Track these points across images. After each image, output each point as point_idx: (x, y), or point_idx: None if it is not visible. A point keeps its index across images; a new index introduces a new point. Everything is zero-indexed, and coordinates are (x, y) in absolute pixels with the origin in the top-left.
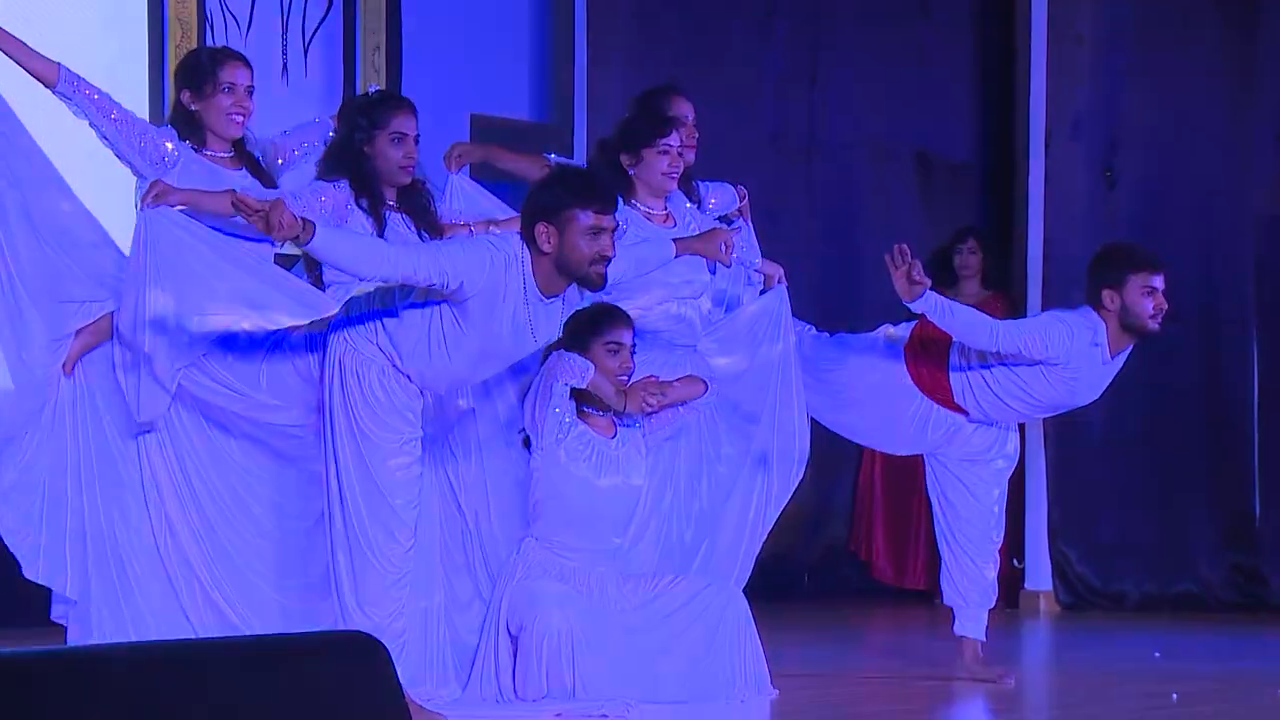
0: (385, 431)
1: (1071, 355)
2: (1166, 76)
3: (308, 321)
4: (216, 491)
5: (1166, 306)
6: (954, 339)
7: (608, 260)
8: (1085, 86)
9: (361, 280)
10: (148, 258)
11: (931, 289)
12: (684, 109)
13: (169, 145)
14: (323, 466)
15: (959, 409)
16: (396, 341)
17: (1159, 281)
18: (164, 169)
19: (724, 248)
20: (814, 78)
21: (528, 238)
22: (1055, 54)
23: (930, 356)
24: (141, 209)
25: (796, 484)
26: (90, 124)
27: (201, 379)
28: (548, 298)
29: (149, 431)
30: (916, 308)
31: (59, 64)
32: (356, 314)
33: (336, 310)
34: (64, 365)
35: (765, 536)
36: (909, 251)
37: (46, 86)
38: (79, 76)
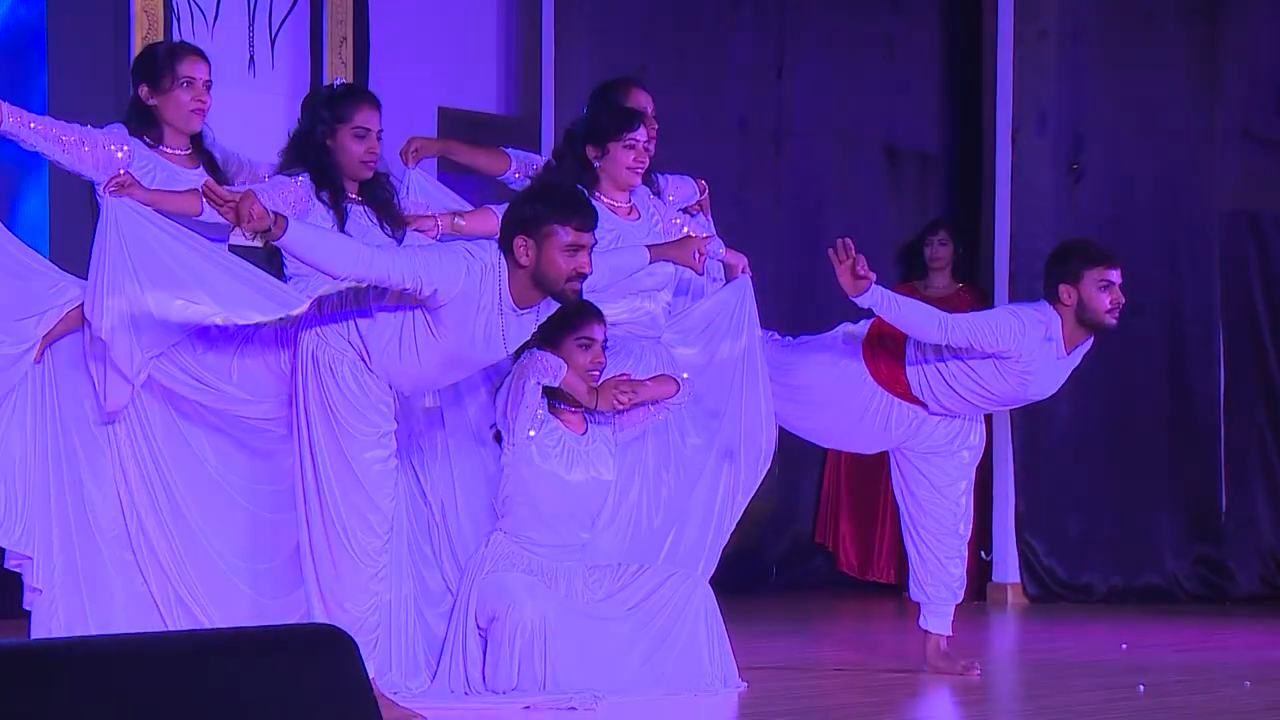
0: (363, 425)
1: (1024, 349)
2: (1132, 72)
3: (278, 318)
4: (186, 485)
5: (1124, 301)
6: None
7: (584, 277)
8: (1051, 81)
9: (334, 278)
10: (111, 244)
11: (877, 283)
12: (643, 102)
13: (119, 152)
14: (297, 461)
15: (918, 402)
16: (368, 341)
17: (1115, 276)
18: (129, 164)
19: (696, 255)
20: (781, 67)
21: (505, 249)
22: (1021, 48)
23: (887, 351)
24: (104, 196)
25: (763, 477)
26: (42, 153)
27: (172, 370)
28: (521, 309)
29: (113, 422)
30: (863, 302)
31: (1, 101)
32: (329, 311)
33: (306, 306)
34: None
35: (732, 529)
36: (853, 245)
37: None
38: (19, 109)
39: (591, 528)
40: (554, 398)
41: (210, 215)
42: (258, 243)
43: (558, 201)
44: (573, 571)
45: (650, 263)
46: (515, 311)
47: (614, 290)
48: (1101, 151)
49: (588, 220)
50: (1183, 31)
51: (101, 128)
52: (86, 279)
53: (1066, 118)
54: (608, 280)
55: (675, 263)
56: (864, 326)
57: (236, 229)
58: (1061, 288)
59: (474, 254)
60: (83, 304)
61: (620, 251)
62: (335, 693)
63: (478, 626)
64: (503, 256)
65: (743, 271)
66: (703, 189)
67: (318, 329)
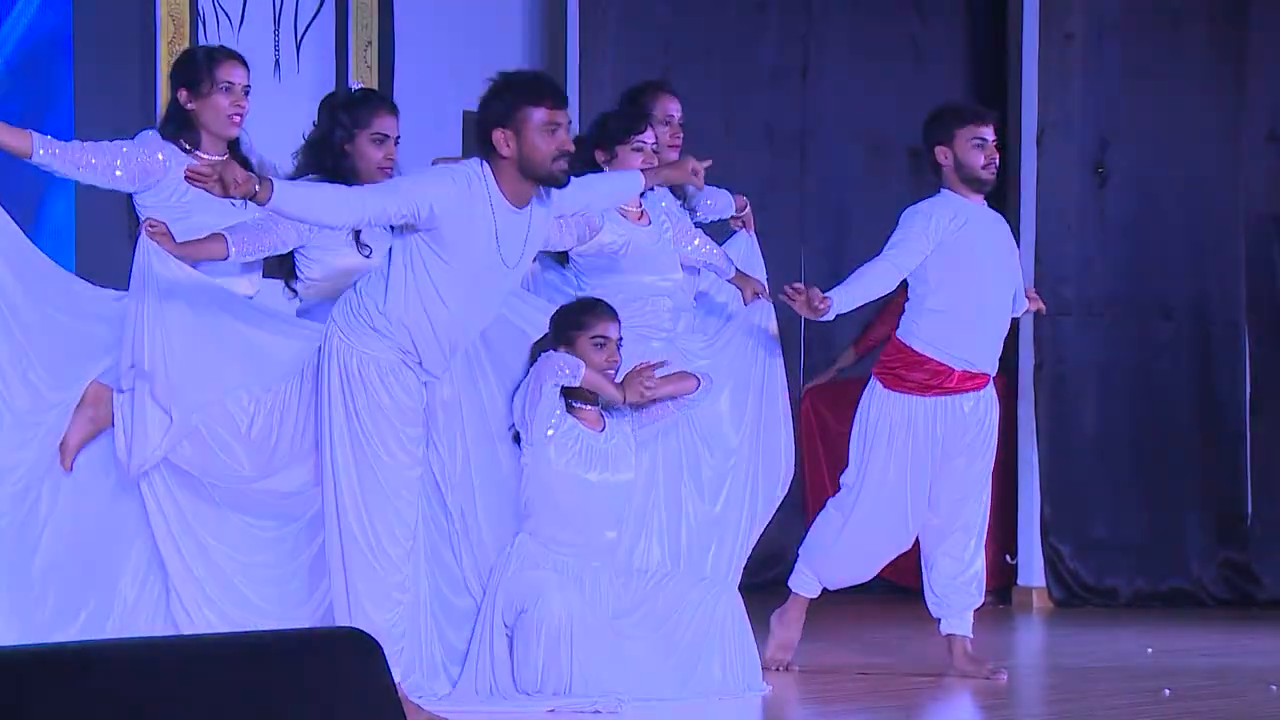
0: (386, 432)
1: (944, 229)
2: (1158, 75)
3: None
4: (218, 535)
5: (998, 157)
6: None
7: (568, 155)
8: (1077, 84)
9: (334, 229)
10: (148, 296)
11: (828, 294)
12: (670, 106)
13: (160, 156)
14: (326, 471)
15: (976, 375)
16: (389, 312)
17: (988, 133)
18: (158, 179)
19: (695, 172)
20: (806, 72)
21: (485, 147)
22: (1046, 52)
23: (899, 369)
24: (140, 237)
25: (779, 502)
26: (78, 180)
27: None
28: (517, 207)
29: (134, 482)
30: (832, 316)
31: (30, 132)
32: (344, 313)
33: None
34: (63, 460)
35: (752, 546)
36: (799, 286)
37: (23, 158)
38: (49, 138)
39: (617, 526)
40: (571, 396)
41: (237, 257)
42: (248, 206)
43: (526, 85)
44: (599, 573)
45: (646, 187)
46: (512, 210)
47: (625, 295)
48: (1127, 155)
49: (560, 98)
50: (1209, 34)
51: (133, 138)
52: (120, 291)
53: (1092, 121)
54: (601, 205)
55: (676, 182)
56: (873, 387)
57: (226, 199)
58: (937, 149)
59: (454, 168)
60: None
61: (613, 175)
62: (360, 696)
63: (504, 625)
64: (484, 162)
65: (757, 295)
66: (742, 205)
67: (340, 333)
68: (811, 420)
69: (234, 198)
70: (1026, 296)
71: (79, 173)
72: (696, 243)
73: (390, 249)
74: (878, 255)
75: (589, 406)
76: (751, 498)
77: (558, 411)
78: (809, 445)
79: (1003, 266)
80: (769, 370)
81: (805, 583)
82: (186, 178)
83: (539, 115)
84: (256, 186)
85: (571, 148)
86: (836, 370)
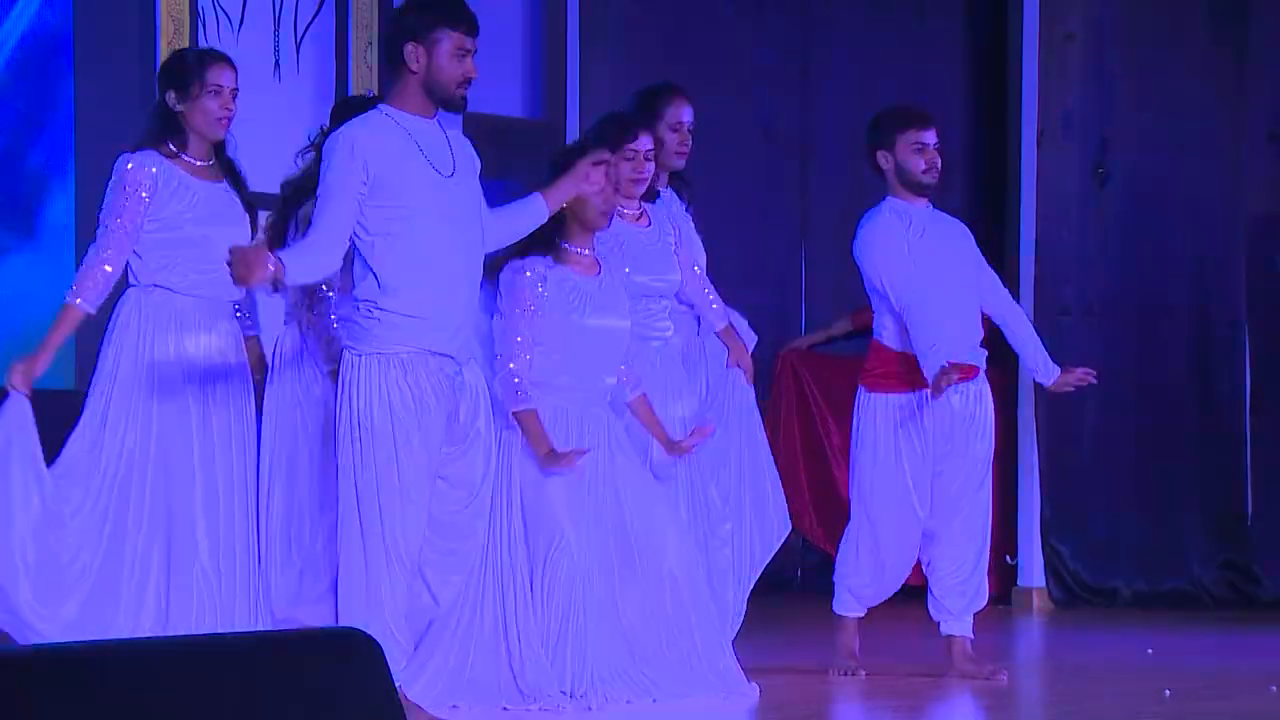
0: (388, 435)
1: (900, 235)
2: (1158, 75)
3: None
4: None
5: (940, 162)
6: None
7: (470, 83)
8: (1076, 84)
9: (338, 266)
10: None
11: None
12: (682, 111)
13: (144, 194)
14: (332, 480)
15: (965, 368)
16: (382, 274)
17: (929, 138)
18: (149, 200)
19: (589, 177)
20: (806, 71)
21: (395, 60)
22: (1046, 52)
23: (881, 374)
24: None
25: (778, 547)
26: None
27: None
28: (423, 116)
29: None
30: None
31: (66, 305)
32: (350, 331)
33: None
34: None
35: (747, 596)
36: (958, 374)
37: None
38: (73, 291)
39: (614, 372)
40: (563, 239)
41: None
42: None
43: (443, 8)
44: (599, 420)
45: (551, 210)
46: (419, 118)
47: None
48: (1127, 155)
49: (473, 26)
50: (1210, 34)
51: (115, 175)
52: None
53: (1092, 121)
54: (503, 239)
55: (578, 193)
56: (859, 398)
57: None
58: (878, 154)
59: (342, 127)
60: None
61: (519, 208)
62: (361, 696)
63: (520, 501)
64: (378, 105)
65: (736, 365)
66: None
67: (351, 349)
68: (790, 385)
69: (257, 285)
70: (1065, 371)
71: (116, 276)
72: (698, 271)
73: (358, 250)
74: (902, 307)
75: (585, 252)
76: (750, 551)
77: (543, 268)
78: (785, 412)
79: (959, 262)
80: (747, 426)
81: (847, 603)
82: (234, 275)
83: (452, 39)
84: (273, 269)
85: (475, 74)
86: (827, 336)
